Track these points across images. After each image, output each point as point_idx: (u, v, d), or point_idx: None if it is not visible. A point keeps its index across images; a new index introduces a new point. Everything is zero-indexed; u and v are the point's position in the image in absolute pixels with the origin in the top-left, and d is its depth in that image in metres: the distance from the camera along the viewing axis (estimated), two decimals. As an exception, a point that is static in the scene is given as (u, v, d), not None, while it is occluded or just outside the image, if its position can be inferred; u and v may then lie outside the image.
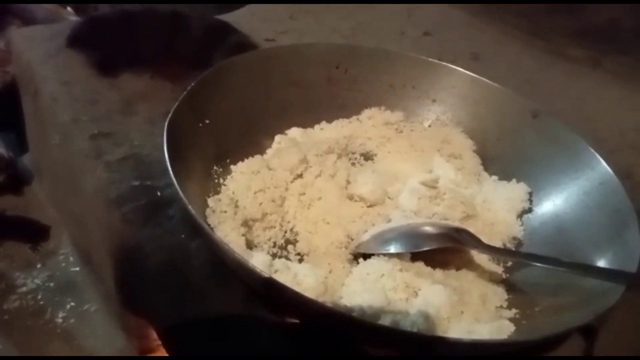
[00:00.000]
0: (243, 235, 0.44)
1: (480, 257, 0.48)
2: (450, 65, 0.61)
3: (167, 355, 0.53)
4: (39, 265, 0.74)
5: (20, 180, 0.85)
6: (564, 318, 0.39)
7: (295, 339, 0.40)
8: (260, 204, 0.47)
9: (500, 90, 0.59)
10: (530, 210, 0.53)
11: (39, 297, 0.71)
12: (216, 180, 0.49)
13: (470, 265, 0.47)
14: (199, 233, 0.43)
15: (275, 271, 0.40)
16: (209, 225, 0.43)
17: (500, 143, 0.58)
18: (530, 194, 0.53)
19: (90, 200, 0.54)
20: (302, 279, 0.40)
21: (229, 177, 0.49)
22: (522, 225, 0.52)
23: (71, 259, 0.75)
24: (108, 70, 0.66)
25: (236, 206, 0.45)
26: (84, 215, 0.61)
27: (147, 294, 0.48)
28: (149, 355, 0.61)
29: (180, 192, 0.38)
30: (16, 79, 0.78)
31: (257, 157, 0.51)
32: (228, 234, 0.43)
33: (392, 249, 0.45)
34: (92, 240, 0.61)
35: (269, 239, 0.46)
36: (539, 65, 0.83)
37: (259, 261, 0.40)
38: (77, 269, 0.74)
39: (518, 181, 0.54)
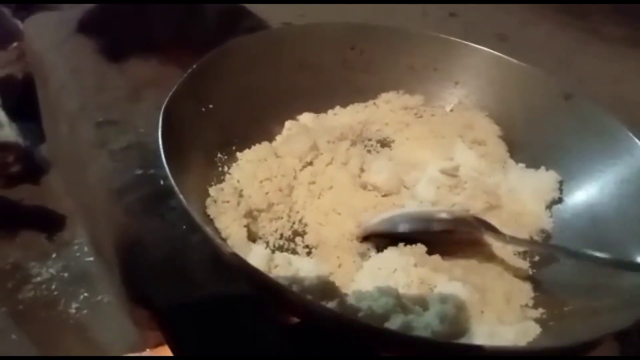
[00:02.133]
0: (245, 226, 0.41)
1: (504, 251, 0.44)
2: (474, 44, 0.56)
3: (170, 353, 0.51)
4: (53, 255, 0.74)
5: (37, 170, 0.84)
6: (598, 321, 0.36)
7: (297, 339, 0.38)
8: (267, 193, 0.44)
9: (529, 71, 0.54)
10: (560, 200, 0.48)
11: (53, 287, 0.70)
12: (220, 169, 0.46)
13: (493, 259, 0.43)
14: (195, 226, 0.40)
15: (276, 266, 0.37)
16: (209, 216, 0.40)
17: (529, 128, 0.53)
18: (561, 182, 0.49)
19: (95, 190, 0.53)
20: (304, 275, 0.37)
21: (234, 165, 0.46)
22: (551, 217, 0.48)
23: (85, 249, 0.75)
24: (117, 56, 0.65)
25: (240, 196, 0.43)
26: (92, 206, 0.59)
27: (149, 288, 0.46)
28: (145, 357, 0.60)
29: (173, 181, 0.35)
30: (31, 67, 0.77)
31: (265, 144, 0.48)
32: (229, 225, 0.40)
33: (401, 228, 0.41)
34: (100, 231, 0.60)
35: (275, 231, 0.44)
36: (572, 46, 0.78)
37: (257, 255, 0.37)
38: (91, 259, 0.73)
39: (547, 169, 0.50)
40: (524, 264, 0.44)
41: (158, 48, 0.66)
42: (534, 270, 0.43)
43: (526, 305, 0.40)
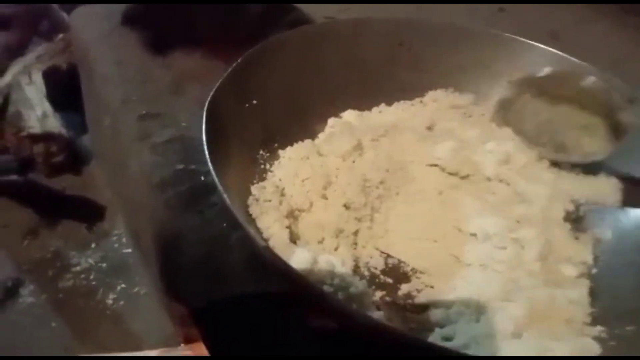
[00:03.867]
0: (287, 227, 0.40)
1: (558, 256, 0.41)
2: (528, 41, 0.53)
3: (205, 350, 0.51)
4: (93, 245, 0.74)
5: (79, 161, 0.85)
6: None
7: (334, 345, 0.36)
8: (308, 192, 0.43)
9: (589, 70, 0.51)
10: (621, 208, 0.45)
11: (92, 277, 0.71)
12: (262, 166, 0.45)
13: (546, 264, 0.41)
14: (236, 224, 0.39)
15: (319, 271, 0.36)
16: (251, 215, 0.39)
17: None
18: (622, 190, 0.46)
19: (136, 184, 0.53)
20: (350, 281, 0.35)
21: (276, 162, 0.45)
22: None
23: (124, 240, 0.75)
24: (161, 50, 0.64)
25: (282, 195, 0.41)
26: (132, 199, 0.59)
27: (185, 284, 0.45)
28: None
29: (216, 179, 0.34)
30: (76, 59, 0.78)
31: (307, 141, 0.47)
32: (271, 225, 0.39)
33: None
34: (139, 224, 0.60)
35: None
36: (631, 45, 0.73)
37: (300, 258, 0.36)
38: (129, 250, 0.74)
39: (608, 175, 0.47)
40: (581, 278, 0.41)
41: (202, 42, 0.65)
42: (592, 283, 0.40)
43: (583, 322, 0.38)
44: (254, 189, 0.41)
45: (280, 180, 0.43)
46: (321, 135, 0.50)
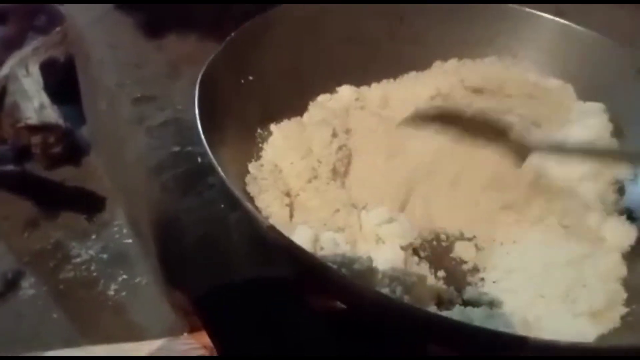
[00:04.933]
0: (288, 205, 0.38)
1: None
2: (534, 11, 0.51)
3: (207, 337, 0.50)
4: (93, 236, 0.73)
5: (78, 152, 0.84)
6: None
7: (339, 326, 0.35)
8: (299, 172, 0.41)
9: (597, 40, 0.49)
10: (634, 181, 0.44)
11: (93, 268, 0.70)
12: (260, 145, 0.43)
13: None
14: (235, 203, 0.38)
15: (322, 248, 0.34)
16: (249, 194, 0.38)
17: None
18: (635, 163, 0.44)
19: (133, 168, 0.51)
20: (353, 258, 0.34)
21: (269, 140, 0.43)
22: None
23: (124, 230, 0.74)
24: (155, 32, 0.63)
25: (280, 171, 0.40)
26: (129, 184, 0.58)
27: (186, 268, 0.44)
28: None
29: (211, 155, 0.33)
30: (71, 47, 0.77)
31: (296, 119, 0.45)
32: (270, 204, 0.37)
33: None
34: (137, 209, 0.59)
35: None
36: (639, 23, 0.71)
37: (301, 235, 0.34)
38: (130, 240, 0.73)
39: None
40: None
41: (197, 24, 0.64)
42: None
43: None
44: (252, 167, 0.40)
45: (273, 159, 0.42)
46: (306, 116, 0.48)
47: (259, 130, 0.44)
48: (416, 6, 0.53)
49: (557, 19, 0.51)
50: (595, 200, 0.43)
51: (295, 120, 0.45)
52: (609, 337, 0.33)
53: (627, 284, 0.37)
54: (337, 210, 0.38)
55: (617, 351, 0.29)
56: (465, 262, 0.39)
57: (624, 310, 0.35)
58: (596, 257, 0.38)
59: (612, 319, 0.34)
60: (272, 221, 0.37)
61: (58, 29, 1.04)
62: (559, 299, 0.36)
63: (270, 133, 0.44)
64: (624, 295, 0.36)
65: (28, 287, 0.68)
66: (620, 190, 0.44)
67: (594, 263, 0.38)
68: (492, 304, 0.35)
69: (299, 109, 0.47)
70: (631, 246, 0.40)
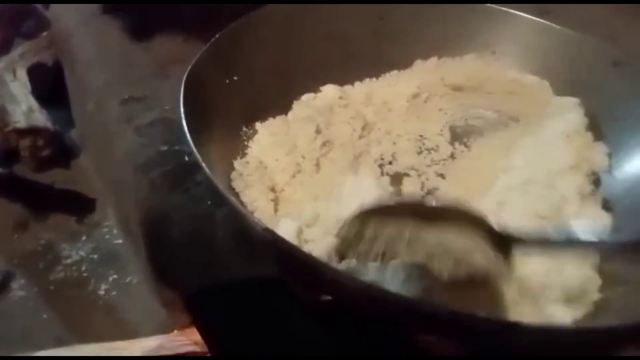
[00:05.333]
0: (273, 200, 0.39)
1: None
2: (512, 10, 0.53)
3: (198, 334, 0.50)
4: (83, 237, 0.74)
5: (68, 154, 0.85)
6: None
7: (327, 319, 0.36)
8: (283, 168, 0.42)
9: (574, 37, 0.51)
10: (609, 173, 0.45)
11: (83, 268, 0.70)
12: (245, 143, 0.44)
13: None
14: (221, 199, 0.39)
15: (306, 241, 0.35)
16: (234, 189, 0.39)
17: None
18: (610, 155, 0.45)
19: (122, 166, 0.52)
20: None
21: (255, 137, 0.44)
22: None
23: (115, 231, 0.74)
24: (143, 34, 0.64)
25: (265, 167, 0.41)
26: (118, 183, 0.59)
27: (174, 265, 0.45)
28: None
29: (194, 149, 0.34)
30: (58, 50, 0.78)
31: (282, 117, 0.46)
32: (256, 198, 0.38)
33: None
34: (127, 207, 0.59)
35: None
36: (624, 20, 0.72)
37: (286, 229, 0.35)
38: (120, 241, 0.73)
39: (595, 140, 0.46)
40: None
41: (184, 24, 0.65)
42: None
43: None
44: (237, 164, 0.41)
45: (258, 155, 0.43)
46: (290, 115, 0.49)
47: (244, 129, 0.45)
48: (396, 5, 0.54)
49: (534, 17, 0.52)
50: (573, 192, 0.44)
51: (280, 119, 0.46)
52: (583, 321, 0.34)
53: (601, 271, 0.38)
54: (316, 199, 0.39)
55: (591, 332, 0.31)
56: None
57: (597, 296, 0.36)
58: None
59: (586, 305, 0.36)
60: (257, 215, 0.38)
61: (45, 33, 1.04)
62: (537, 285, 0.37)
63: (255, 131, 0.45)
64: (599, 282, 0.37)
65: (18, 288, 0.68)
66: (597, 182, 0.45)
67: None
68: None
69: (283, 108, 0.48)
70: (606, 235, 0.41)
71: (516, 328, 0.28)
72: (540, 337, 0.29)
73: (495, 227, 0.35)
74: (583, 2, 0.70)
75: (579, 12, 0.72)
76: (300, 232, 0.36)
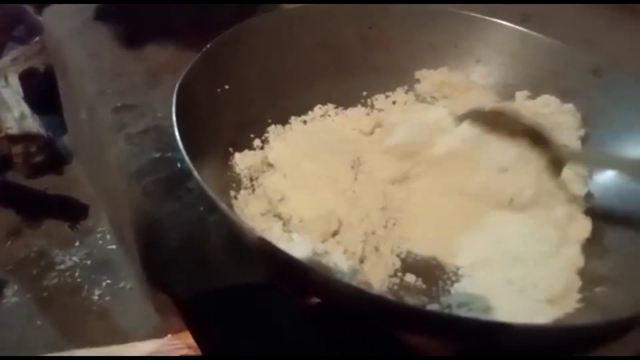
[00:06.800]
0: (266, 206, 0.40)
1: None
2: (496, 20, 0.54)
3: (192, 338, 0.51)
4: (77, 243, 0.75)
5: (60, 160, 0.86)
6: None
7: (318, 322, 0.37)
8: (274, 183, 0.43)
9: (555, 46, 0.52)
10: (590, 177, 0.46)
11: (77, 274, 0.71)
12: (237, 151, 0.45)
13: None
14: (213, 205, 0.40)
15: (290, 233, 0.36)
16: (227, 196, 0.40)
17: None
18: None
19: (114, 174, 0.53)
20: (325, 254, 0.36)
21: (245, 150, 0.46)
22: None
23: (108, 237, 0.75)
24: (135, 42, 0.64)
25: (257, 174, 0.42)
26: (111, 191, 0.59)
27: (168, 272, 0.45)
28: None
29: (186, 156, 0.35)
30: (50, 57, 0.78)
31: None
32: (247, 204, 0.39)
33: None
34: (120, 215, 0.60)
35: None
36: (604, 24, 0.74)
37: (276, 234, 0.36)
38: (114, 247, 0.74)
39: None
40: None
41: (176, 33, 0.65)
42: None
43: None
44: (229, 171, 0.42)
45: (251, 162, 0.44)
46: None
47: (236, 136, 0.46)
48: (382, 14, 0.55)
49: (517, 27, 0.53)
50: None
51: (272, 127, 0.47)
52: (564, 320, 0.36)
53: (582, 272, 0.40)
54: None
55: (571, 330, 0.32)
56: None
57: (577, 296, 0.38)
58: (560, 249, 0.41)
59: (567, 305, 0.37)
60: (249, 221, 0.39)
61: (37, 39, 1.05)
62: (528, 286, 0.38)
63: (248, 138, 0.46)
64: (579, 283, 0.39)
65: (11, 295, 0.68)
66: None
67: (559, 254, 0.41)
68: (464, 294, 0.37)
69: (275, 116, 0.49)
70: (587, 238, 0.42)
71: (501, 328, 0.29)
72: (525, 337, 0.31)
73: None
74: (564, 2, 0.72)
75: (560, 18, 0.74)
76: (290, 239, 0.37)
